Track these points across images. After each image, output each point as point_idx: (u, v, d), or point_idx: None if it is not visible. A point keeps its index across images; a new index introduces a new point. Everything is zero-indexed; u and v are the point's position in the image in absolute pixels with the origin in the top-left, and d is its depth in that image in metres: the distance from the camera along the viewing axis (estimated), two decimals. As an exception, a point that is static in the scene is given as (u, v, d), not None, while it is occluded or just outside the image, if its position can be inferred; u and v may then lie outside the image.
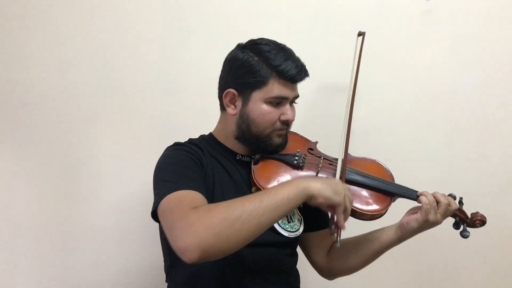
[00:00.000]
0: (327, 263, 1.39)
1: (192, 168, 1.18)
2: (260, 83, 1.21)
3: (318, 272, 1.42)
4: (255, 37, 1.30)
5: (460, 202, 1.32)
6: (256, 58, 1.22)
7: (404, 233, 1.27)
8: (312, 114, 1.75)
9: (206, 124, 1.74)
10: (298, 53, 1.68)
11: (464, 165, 1.79)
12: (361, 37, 1.37)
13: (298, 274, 1.36)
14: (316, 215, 1.35)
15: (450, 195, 1.29)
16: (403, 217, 1.29)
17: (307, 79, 1.26)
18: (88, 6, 1.70)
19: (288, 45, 1.31)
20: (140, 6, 1.72)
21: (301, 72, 1.23)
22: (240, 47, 1.28)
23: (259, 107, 1.22)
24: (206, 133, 1.38)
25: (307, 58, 1.78)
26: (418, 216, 1.24)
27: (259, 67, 1.21)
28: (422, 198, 1.24)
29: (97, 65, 1.71)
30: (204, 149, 1.27)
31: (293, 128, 1.39)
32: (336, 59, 1.79)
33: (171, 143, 1.32)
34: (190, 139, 1.34)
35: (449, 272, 1.83)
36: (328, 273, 1.41)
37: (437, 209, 1.24)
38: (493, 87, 1.78)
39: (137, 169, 1.73)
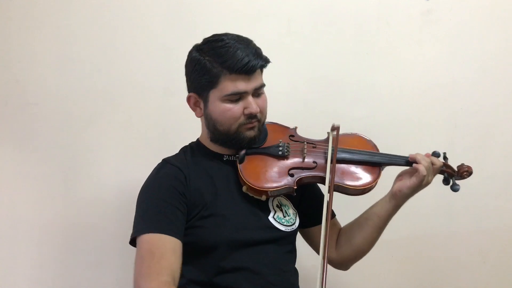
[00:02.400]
0: (337, 253, 1.38)
1: (170, 201, 1.19)
2: (213, 83, 1.20)
3: (332, 265, 1.40)
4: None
5: (445, 158, 1.32)
6: (207, 58, 1.21)
7: (398, 200, 1.28)
8: (311, 114, 1.75)
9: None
10: (298, 53, 1.68)
11: (464, 165, 1.79)
12: (334, 131, 1.31)
13: (297, 272, 1.35)
14: (317, 209, 1.34)
15: (434, 152, 1.30)
16: (394, 185, 1.29)
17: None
18: (88, 6, 1.70)
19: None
20: (140, 6, 1.72)
21: (252, 61, 1.17)
22: (195, 47, 1.27)
23: (218, 106, 1.22)
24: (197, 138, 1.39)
25: (307, 58, 1.80)
26: (412, 182, 1.24)
27: (210, 66, 1.20)
28: (420, 167, 1.23)
29: (97, 65, 1.71)
30: (190, 164, 1.27)
31: (289, 124, 1.39)
32: (336, 59, 1.79)
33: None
34: (181, 149, 1.36)
35: (449, 272, 1.83)
36: (341, 262, 1.40)
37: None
38: (493, 87, 1.79)
39: (137, 169, 1.72)
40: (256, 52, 1.21)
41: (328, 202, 1.17)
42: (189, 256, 1.22)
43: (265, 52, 1.25)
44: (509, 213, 1.81)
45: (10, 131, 1.70)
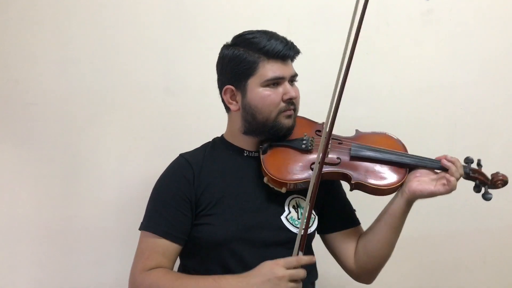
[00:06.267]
0: (355, 262, 1.32)
1: (173, 204, 1.23)
2: (251, 70, 1.21)
3: (353, 277, 1.36)
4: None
5: (479, 165, 1.28)
6: (241, 49, 1.23)
7: (414, 198, 1.22)
8: (311, 114, 1.75)
9: (206, 123, 1.74)
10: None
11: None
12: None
13: (315, 275, 1.31)
14: (339, 214, 1.34)
15: (467, 158, 1.27)
16: (411, 183, 1.21)
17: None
18: (88, 6, 1.70)
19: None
20: (140, 6, 1.72)
21: (287, 47, 1.22)
22: (224, 46, 1.29)
23: (258, 93, 1.22)
24: (208, 133, 1.40)
25: (307, 58, 1.79)
26: (438, 190, 1.18)
27: (246, 55, 1.22)
28: (452, 180, 1.18)
29: (98, 65, 1.71)
30: (206, 159, 1.28)
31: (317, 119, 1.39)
32: (336, 59, 1.78)
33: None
34: (203, 144, 1.36)
35: (449, 272, 1.83)
36: (360, 272, 1.33)
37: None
38: (493, 87, 1.79)
39: (137, 169, 1.73)
40: (288, 41, 1.24)
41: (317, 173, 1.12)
42: (195, 252, 1.24)
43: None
44: (509, 213, 1.80)
45: (10, 131, 1.70)
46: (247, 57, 1.22)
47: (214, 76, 1.70)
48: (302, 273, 1.11)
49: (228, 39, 1.34)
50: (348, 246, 1.34)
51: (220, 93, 1.30)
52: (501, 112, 1.79)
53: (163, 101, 1.73)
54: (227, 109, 1.31)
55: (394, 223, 1.25)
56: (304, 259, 1.12)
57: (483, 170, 1.28)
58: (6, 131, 1.70)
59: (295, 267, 1.10)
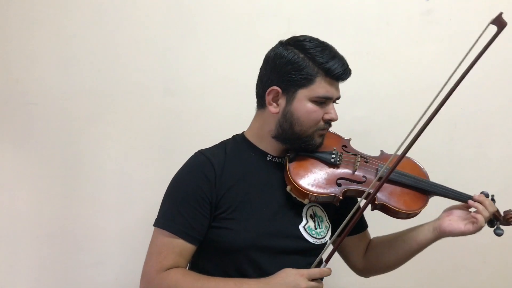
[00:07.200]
0: (364, 263, 1.39)
1: (192, 203, 1.19)
2: (306, 81, 1.17)
3: (355, 272, 1.43)
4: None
5: (493, 200, 1.29)
6: (301, 55, 1.18)
7: (444, 236, 1.26)
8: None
9: (206, 123, 1.74)
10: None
11: (464, 165, 1.79)
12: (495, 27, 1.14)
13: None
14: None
15: (482, 193, 1.27)
16: (443, 222, 1.26)
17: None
18: (88, 6, 1.70)
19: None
20: (140, 6, 1.72)
21: (346, 70, 1.19)
22: (282, 44, 1.23)
23: (304, 106, 1.19)
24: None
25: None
26: (467, 230, 1.22)
27: (305, 64, 1.17)
28: (480, 218, 1.20)
29: (98, 65, 1.71)
30: (228, 158, 1.24)
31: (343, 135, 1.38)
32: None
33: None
34: (222, 142, 1.31)
35: (449, 272, 1.83)
36: (365, 272, 1.41)
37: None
38: (493, 87, 1.79)
39: (138, 169, 1.73)
40: (347, 63, 1.21)
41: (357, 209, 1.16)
42: (211, 254, 1.22)
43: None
44: (509, 213, 1.80)
45: (10, 131, 1.71)
46: (306, 67, 1.17)
47: (214, 75, 1.71)
48: (322, 286, 1.15)
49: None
50: (357, 248, 1.40)
51: (263, 88, 1.23)
52: (501, 112, 1.79)
53: (162, 101, 1.73)
54: (262, 106, 1.25)
55: (417, 249, 1.30)
56: (327, 272, 1.15)
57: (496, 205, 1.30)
58: (6, 131, 1.70)
59: (315, 279, 1.13)
